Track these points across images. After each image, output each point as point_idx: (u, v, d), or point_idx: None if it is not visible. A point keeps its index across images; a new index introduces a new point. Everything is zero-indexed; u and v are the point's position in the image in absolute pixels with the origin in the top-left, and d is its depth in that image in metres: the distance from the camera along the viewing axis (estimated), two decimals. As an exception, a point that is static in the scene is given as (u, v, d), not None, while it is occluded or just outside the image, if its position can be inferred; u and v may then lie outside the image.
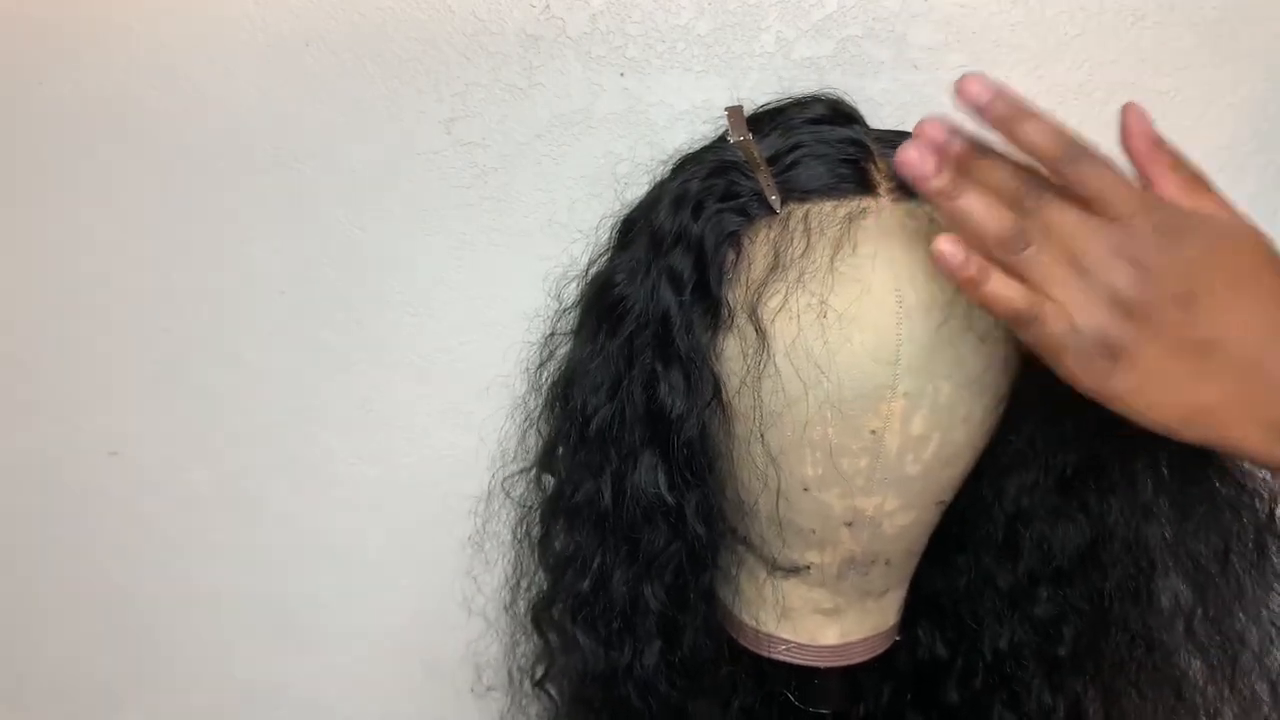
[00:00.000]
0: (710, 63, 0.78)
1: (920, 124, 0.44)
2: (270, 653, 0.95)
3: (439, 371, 0.86)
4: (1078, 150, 0.43)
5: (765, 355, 0.52)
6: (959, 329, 0.51)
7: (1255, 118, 0.73)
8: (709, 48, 0.77)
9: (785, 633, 0.60)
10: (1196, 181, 0.46)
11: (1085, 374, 0.44)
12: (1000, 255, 0.43)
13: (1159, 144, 0.46)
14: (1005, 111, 0.43)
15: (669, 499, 0.56)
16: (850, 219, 0.52)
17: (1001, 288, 0.43)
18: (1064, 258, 0.43)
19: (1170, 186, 0.45)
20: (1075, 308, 0.43)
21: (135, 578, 0.94)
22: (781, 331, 0.52)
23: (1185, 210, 0.44)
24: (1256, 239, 0.45)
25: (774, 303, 0.52)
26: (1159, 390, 0.44)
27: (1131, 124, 0.46)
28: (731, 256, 0.54)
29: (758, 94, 0.64)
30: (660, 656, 0.60)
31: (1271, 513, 0.57)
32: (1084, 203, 0.44)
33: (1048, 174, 0.44)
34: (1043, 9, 0.74)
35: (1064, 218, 0.43)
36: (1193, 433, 0.45)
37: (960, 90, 0.43)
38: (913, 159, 0.44)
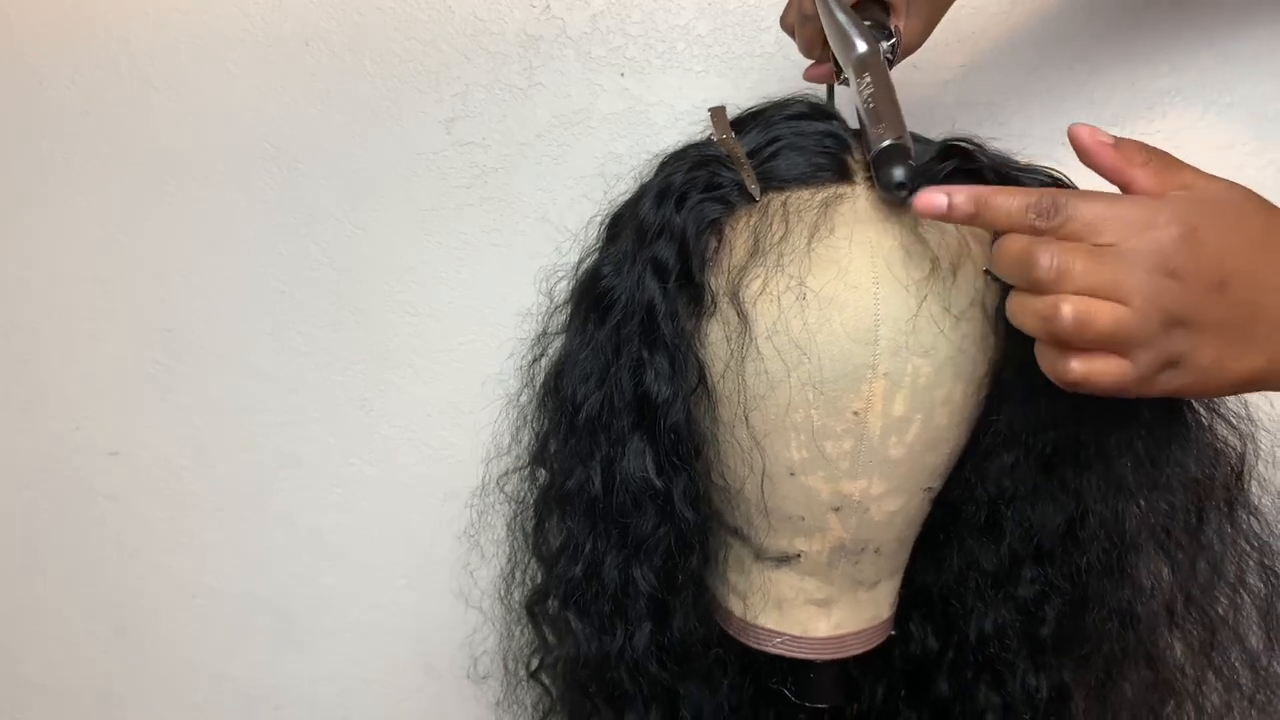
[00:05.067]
0: (710, 63, 0.78)
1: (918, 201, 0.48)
2: (270, 653, 0.95)
3: (438, 371, 0.86)
4: (1047, 204, 0.45)
5: (747, 338, 0.53)
6: (936, 309, 0.52)
7: (1255, 118, 0.73)
8: (709, 48, 0.77)
9: (778, 625, 0.60)
10: (1168, 164, 0.47)
11: (1152, 389, 0.45)
12: (1042, 225, 0.45)
13: (1119, 146, 0.47)
14: (966, 209, 0.47)
15: (657, 483, 0.57)
16: (826, 204, 0.54)
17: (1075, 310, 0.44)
18: (1103, 295, 0.44)
19: (1149, 181, 0.46)
20: (1140, 343, 0.44)
21: (135, 578, 0.94)
22: (763, 314, 0.53)
23: (1178, 200, 0.45)
24: (1243, 194, 0.46)
25: (755, 286, 0.53)
26: (1216, 373, 0.45)
27: (1085, 141, 0.47)
28: (713, 243, 0.55)
29: (758, 94, 0.64)
30: (651, 638, 0.61)
31: (1240, 479, 0.58)
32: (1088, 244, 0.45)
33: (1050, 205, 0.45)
34: (1043, 9, 0.74)
35: (1094, 269, 0.44)
36: (1243, 391, 0.47)
37: (919, 210, 0.48)
38: (928, 202, 0.47)
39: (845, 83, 0.57)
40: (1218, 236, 0.44)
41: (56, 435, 0.92)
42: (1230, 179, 0.46)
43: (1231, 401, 0.58)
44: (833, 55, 0.57)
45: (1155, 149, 0.47)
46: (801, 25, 0.61)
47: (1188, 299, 0.43)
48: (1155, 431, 0.56)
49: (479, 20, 0.79)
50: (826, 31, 0.57)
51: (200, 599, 0.94)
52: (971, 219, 0.47)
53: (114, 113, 0.85)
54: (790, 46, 0.76)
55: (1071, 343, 0.44)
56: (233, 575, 0.93)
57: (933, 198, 0.47)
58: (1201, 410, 0.57)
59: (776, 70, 0.77)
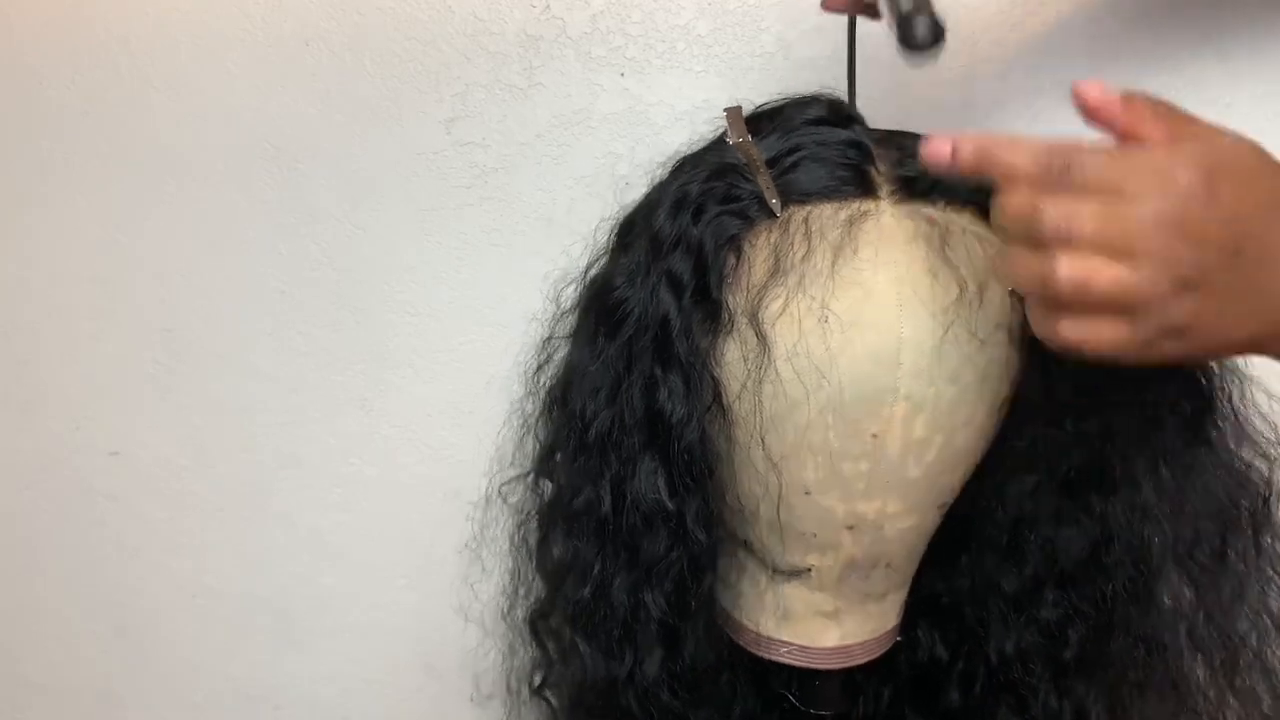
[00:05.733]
0: (710, 63, 0.78)
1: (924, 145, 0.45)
2: (270, 653, 0.95)
3: (438, 371, 0.86)
4: (1063, 158, 0.41)
5: (766, 359, 0.52)
6: (962, 333, 0.51)
7: (1255, 118, 0.73)
8: (709, 48, 0.77)
9: (786, 635, 0.60)
10: (1180, 117, 0.44)
11: (1149, 355, 0.42)
12: (1050, 179, 0.41)
13: (1127, 102, 0.43)
14: (973, 155, 0.44)
15: (669, 505, 0.56)
16: (851, 222, 0.52)
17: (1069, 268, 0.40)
18: (1110, 254, 0.40)
19: (1161, 134, 0.43)
20: (1147, 307, 0.40)
21: (135, 578, 0.94)
22: (782, 335, 0.52)
23: (1191, 146, 0.42)
24: (1251, 147, 0.43)
25: (775, 307, 0.52)
26: (1217, 341, 0.43)
27: (1091, 99, 0.44)
28: (732, 260, 0.54)
29: (758, 94, 0.64)
30: (661, 665, 0.59)
31: (1266, 503, 0.57)
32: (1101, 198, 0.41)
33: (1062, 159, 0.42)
34: (1042, 9, 0.74)
35: (1107, 228, 0.40)
36: (1257, 355, 0.44)
37: (925, 157, 0.44)
38: (934, 149, 0.44)
39: (870, 8, 0.53)
40: (1234, 191, 0.40)
41: (56, 435, 0.92)
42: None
43: (1259, 423, 0.57)
44: None
45: (1160, 100, 0.44)
46: None
47: (1202, 263, 0.40)
48: (1180, 456, 0.55)
49: (479, 20, 0.79)
50: None
51: (200, 599, 0.94)
52: (976, 169, 0.44)
53: (114, 113, 0.84)
54: (791, 47, 0.76)
55: (1069, 305, 0.41)
56: (233, 575, 0.93)
57: (939, 145, 0.44)
58: (1229, 433, 0.56)
59: (776, 70, 0.77)
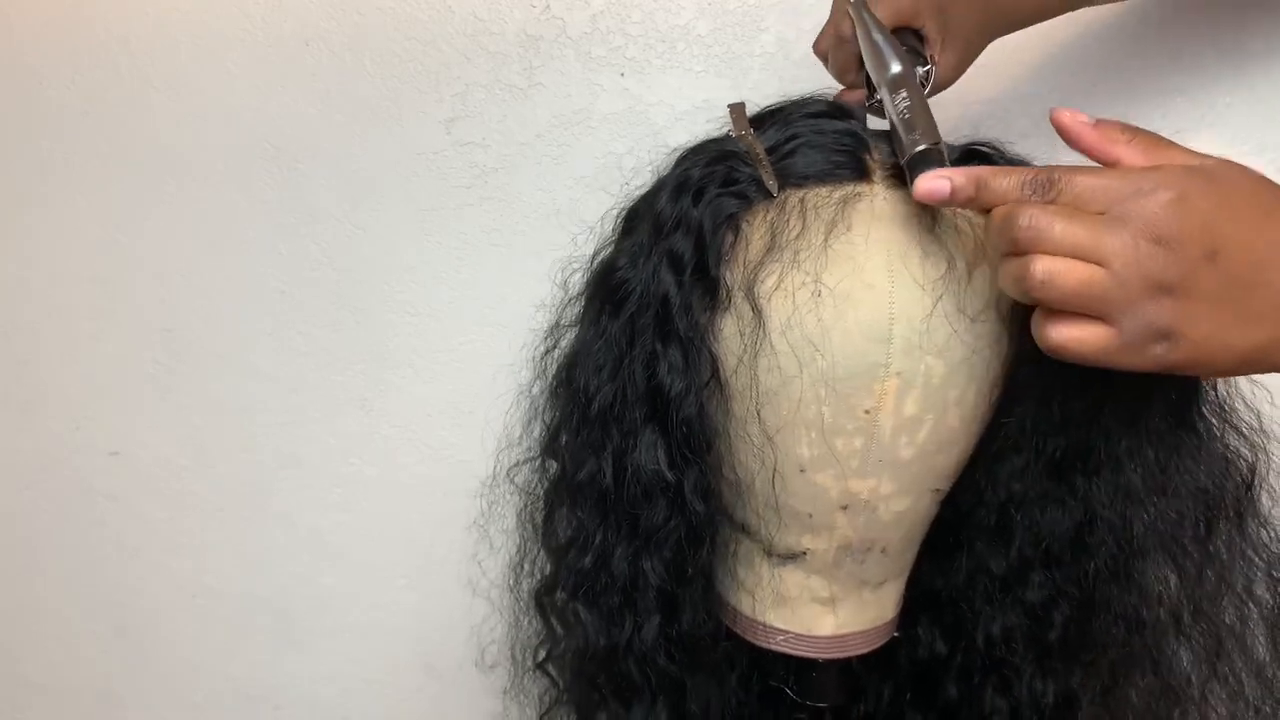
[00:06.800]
0: (710, 63, 0.78)
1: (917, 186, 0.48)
2: (270, 653, 0.95)
3: (438, 371, 0.86)
4: (1043, 179, 0.45)
5: (761, 334, 0.53)
6: (951, 309, 0.52)
7: (1255, 118, 0.73)
8: (709, 48, 0.78)
9: (782, 623, 0.60)
10: (1155, 141, 0.47)
11: (1143, 362, 0.45)
12: (1038, 200, 0.45)
13: (1101, 126, 0.47)
14: (967, 191, 0.47)
15: (668, 476, 0.57)
16: (844, 201, 0.54)
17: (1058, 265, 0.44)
18: (1081, 255, 0.44)
19: (1136, 157, 0.46)
20: (1120, 308, 0.44)
21: (135, 578, 0.95)
22: (777, 310, 0.53)
23: (1169, 169, 0.45)
24: (1237, 169, 0.46)
25: (770, 282, 0.53)
26: (1214, 347, 0.44)
27: (1067, 125, 0.47)
28: (730, 238, 0.55)
29: (758, 94, 0.64)
30: (659, 630, 0.61)
31: (1250, 489, 0.57)
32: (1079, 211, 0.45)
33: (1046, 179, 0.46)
34: (1043, 9, 0.74)
35: (1072, 230, 0.44)
36: (1250, 370, 0.46)
37: (922, 196, 0.48)
38: (930, 188, 0.48)
39: (874, 106, 0.57)
40: (1209, 205, 0.43)
41: (56, 435, 0.92)
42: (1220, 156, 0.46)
43: (1244, 412, 0.58)
44: (866, 76, 0.57)
45: (1138, 128, 0.47)
46: (837, 49, 0.61)
47: (1175, 266, 0.43)
48: (1165, 439, 0.56)
49: (479, 20, 0.79)
50: (863, 52, 0.57)
51: (200, 599, 0.94)
52: (972, 201, 0.47)
53: (114, 113, 0.85)
54: (791, 46, 0.76)
55: (1047, 304, 0.45)
56: (233, 575, 0.93)
57: (935, 184, 0.47)
58: (1214, 420, 0.57)
59: (776, 70, 0.77)
